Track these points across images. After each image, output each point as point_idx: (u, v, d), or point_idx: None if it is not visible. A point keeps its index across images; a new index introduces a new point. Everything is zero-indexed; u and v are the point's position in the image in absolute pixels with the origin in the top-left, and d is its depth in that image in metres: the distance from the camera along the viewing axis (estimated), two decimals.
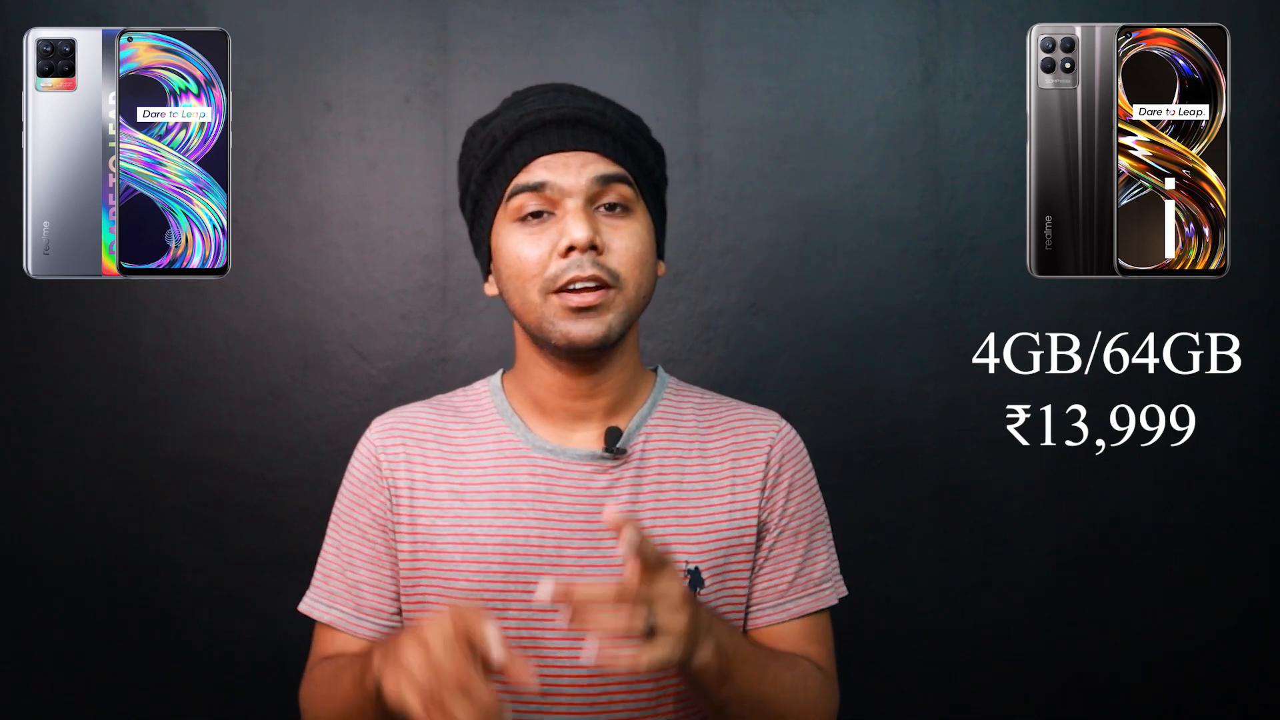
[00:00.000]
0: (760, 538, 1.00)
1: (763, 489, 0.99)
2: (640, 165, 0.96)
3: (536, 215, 0.92)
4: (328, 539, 1.02)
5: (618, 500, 0.95)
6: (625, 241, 0.92)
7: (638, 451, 0.98)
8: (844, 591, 1.04)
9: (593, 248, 0.90)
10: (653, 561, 0.77)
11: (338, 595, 1.00)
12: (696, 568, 0.95)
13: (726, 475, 0.99)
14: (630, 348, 0.99)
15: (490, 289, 1.00)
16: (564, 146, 0.92)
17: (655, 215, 0.98)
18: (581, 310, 0.90)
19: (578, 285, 0.90)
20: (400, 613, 1.00)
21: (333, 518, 1.02)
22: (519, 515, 0.95)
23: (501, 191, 0.94)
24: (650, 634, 0.76)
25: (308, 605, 1.02)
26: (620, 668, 0.75)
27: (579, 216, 0.90)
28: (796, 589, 1.00)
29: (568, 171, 0.91)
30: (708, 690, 0.84)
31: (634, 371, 1.00)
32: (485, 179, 0.95)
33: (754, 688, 0.87)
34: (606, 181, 0.92)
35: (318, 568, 1.02)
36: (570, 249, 0.90)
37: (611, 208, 0.93)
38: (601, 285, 0.90)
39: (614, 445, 0.96)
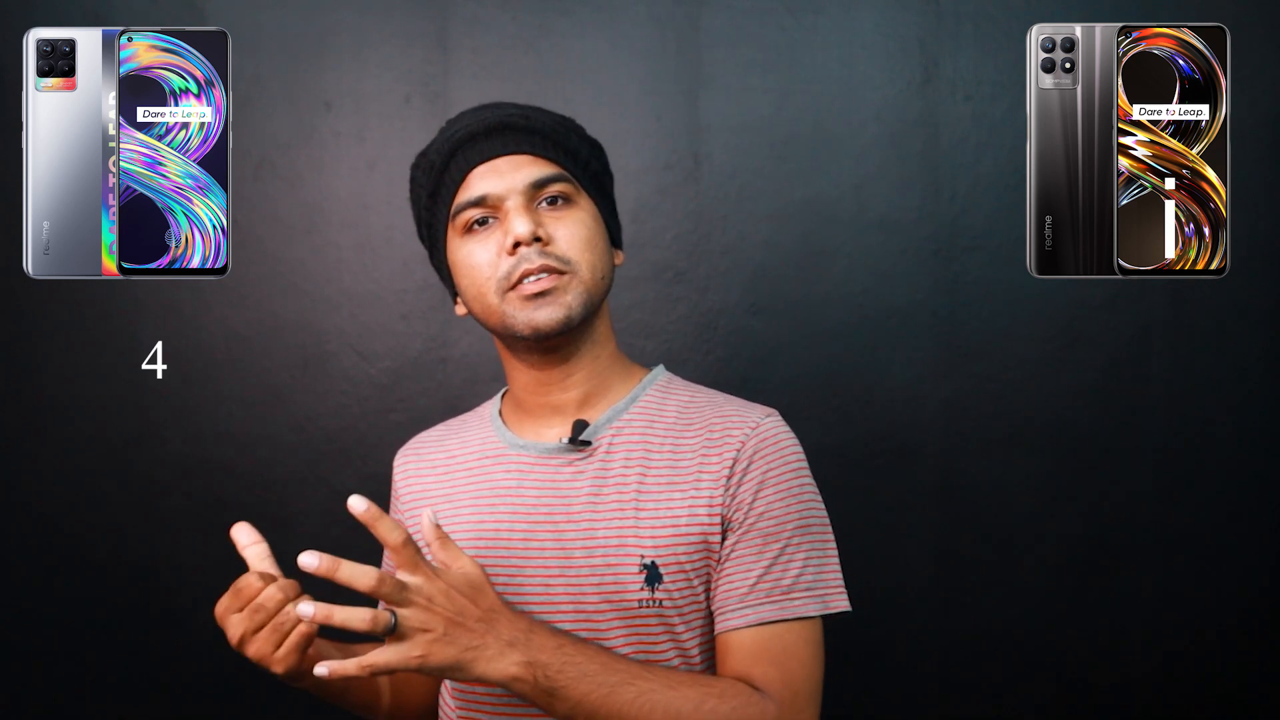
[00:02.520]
0: (724, 536, 0.94)
1: (727, 483, 0.93)
2: (575, 159, 0.98)
3: (482, 223, 0.95)
4: None
5: (579, 492, 0.95)
6: (569, 228, 0.95)
7: (605, 445, 0.97)
8: (837, 607, 0.95)
9: (537, 240, 0.93)
10: (404, 552, 0.80)
11: None
12: (653, 562, 0.92)
13: (693, 470, 0.95)
14: (601, 338, 1.00)
15: (460, 309, 1.03)
16: (495, 153, 0.95)
17: (601, 205, 1.01)
18: (538, 296, 0.92)
19: (530, 278, 0.93)
20: None
21: None
22: (494, 512, 0.98)
23: (447, 211, 0.97)
24: (391, 633, 0.78)
25: None
26: (348, 673, 0.78)
27: (520, 214, 0.93)
28: (758, 594, 0.92)
29: (502, 177, 0.94)
30: (538, 705, 0.85)
31: (608, 364, 1.01)
32: (432, 203, 0.99)
33: (601, 707, 0.85)
34: (543, 184, 0.95)
35: None
36: (516, 245, 0.92)
37: (553, 201, 0.96)
38: (553, 272, 0.93)
39: (577, 437, 0.97)
